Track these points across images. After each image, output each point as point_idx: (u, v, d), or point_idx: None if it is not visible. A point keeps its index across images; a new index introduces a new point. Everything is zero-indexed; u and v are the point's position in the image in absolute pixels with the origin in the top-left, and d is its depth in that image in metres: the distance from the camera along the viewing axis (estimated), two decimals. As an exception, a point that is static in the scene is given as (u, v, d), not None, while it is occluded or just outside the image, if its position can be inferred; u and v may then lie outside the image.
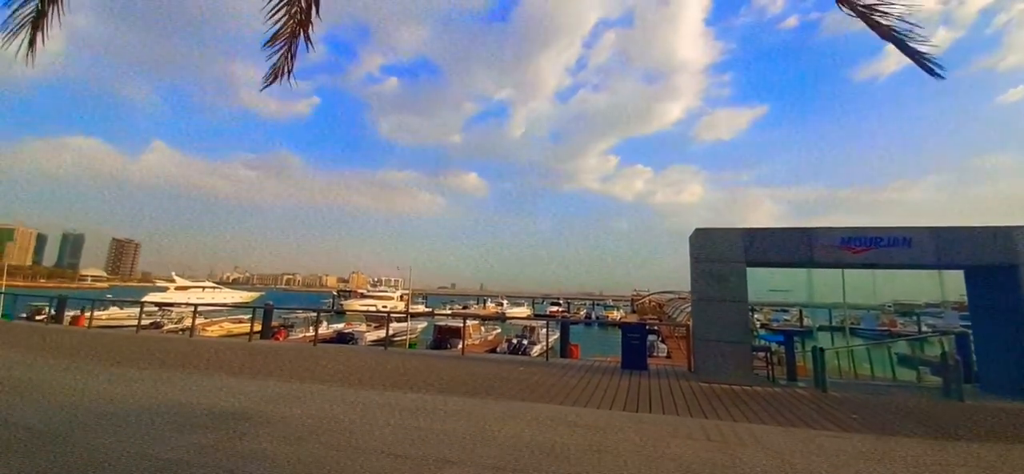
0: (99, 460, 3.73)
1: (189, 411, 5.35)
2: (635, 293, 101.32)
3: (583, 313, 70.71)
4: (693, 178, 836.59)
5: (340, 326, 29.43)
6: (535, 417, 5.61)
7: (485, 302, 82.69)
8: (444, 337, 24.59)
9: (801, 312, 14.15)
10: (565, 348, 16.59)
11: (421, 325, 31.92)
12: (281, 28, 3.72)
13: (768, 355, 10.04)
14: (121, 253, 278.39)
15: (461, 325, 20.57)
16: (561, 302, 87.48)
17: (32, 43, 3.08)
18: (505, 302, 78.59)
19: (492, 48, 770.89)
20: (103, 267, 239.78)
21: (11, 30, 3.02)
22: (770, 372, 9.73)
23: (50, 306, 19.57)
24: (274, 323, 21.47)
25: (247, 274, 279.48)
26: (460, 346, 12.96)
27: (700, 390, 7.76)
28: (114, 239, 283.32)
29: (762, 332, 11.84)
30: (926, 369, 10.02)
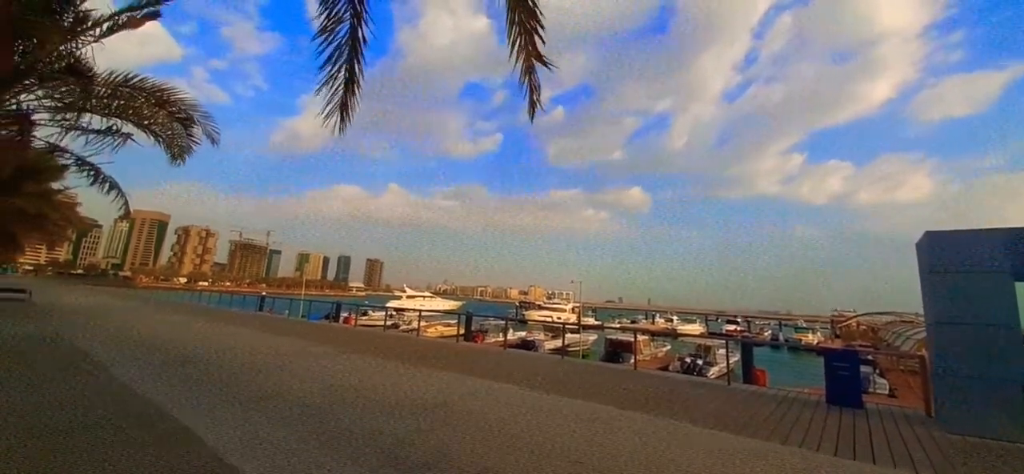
0: (345, 431, 4.71)
1: (413, 397, 6.36)
2: (837, 314, 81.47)
3: (768, 333, 59.80)
4: (913, 169, 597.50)
5: (523, 333, 31.45)
6: (721, 446, 4.91)
7: (654, 317, 77.39)
8: (616, 350, 23.88)
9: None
10: (748, 372, 14.28)
11: (592, 337, 31.68)
12: (524, 64, 4.55)
13: None
14: (373, 270, 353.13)
15: (632, 340, 19.68)
16: (739, 320, 76.10)
17: (342, 120, 4.69)
18: (675, 318, 71.99)
19: (651, 61, 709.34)
20: (362, 280, 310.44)
21: (328, 111, 4.54)
22: None
23: (333, 311, 26.75)
24: (473, 328, 24.48)
25: (452, 286, 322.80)
26: (632, 361, 12.35)
27: (948, 442, 5.69)
28: (368, 259, 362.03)
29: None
30: None
